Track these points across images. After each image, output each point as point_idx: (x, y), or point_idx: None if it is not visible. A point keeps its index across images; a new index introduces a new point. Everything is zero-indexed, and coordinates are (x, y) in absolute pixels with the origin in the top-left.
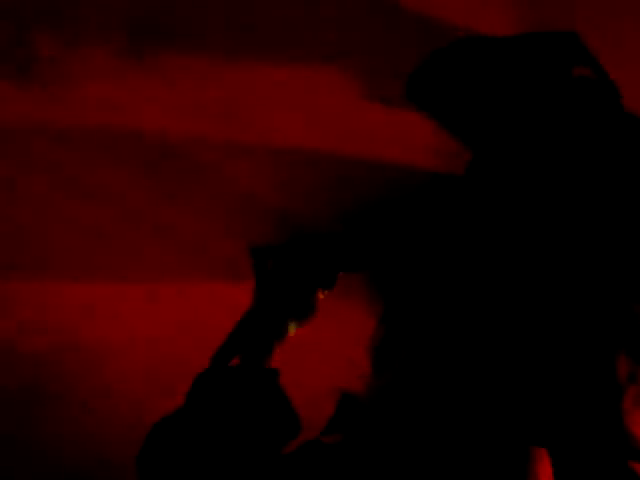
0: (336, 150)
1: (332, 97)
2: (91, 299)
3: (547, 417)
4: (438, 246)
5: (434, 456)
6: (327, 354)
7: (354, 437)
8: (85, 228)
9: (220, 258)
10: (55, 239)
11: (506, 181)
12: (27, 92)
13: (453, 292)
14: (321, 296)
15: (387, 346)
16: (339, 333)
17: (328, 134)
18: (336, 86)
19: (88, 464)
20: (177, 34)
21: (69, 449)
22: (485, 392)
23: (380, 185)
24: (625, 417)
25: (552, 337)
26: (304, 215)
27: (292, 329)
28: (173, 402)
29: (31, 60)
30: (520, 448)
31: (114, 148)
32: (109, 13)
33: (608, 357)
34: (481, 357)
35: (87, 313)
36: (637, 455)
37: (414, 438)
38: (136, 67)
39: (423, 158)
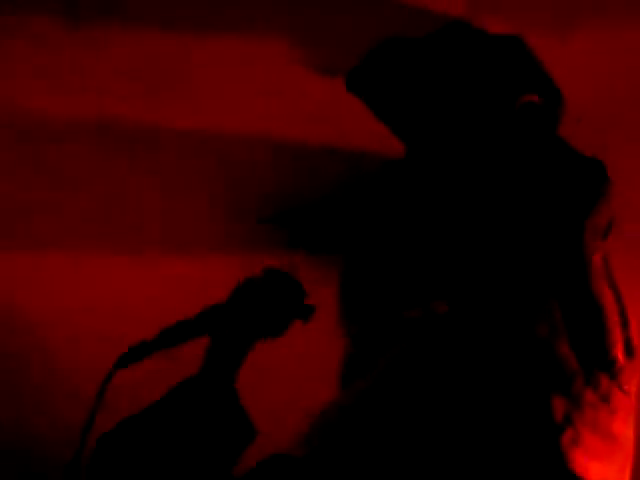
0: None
1: (279, 70)
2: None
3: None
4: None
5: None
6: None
7: (323, 451)
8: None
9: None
10: None
11: (432, 175)
12: None
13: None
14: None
15: (357, 359)
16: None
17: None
18: (283, 61)
19: None
20: (113, 4)
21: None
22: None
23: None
24: (568, 459)
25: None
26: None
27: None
28: None
29: None
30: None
31: (55, 120)
32: None
33: (543, 398)
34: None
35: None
36: None
37: (396, 447)
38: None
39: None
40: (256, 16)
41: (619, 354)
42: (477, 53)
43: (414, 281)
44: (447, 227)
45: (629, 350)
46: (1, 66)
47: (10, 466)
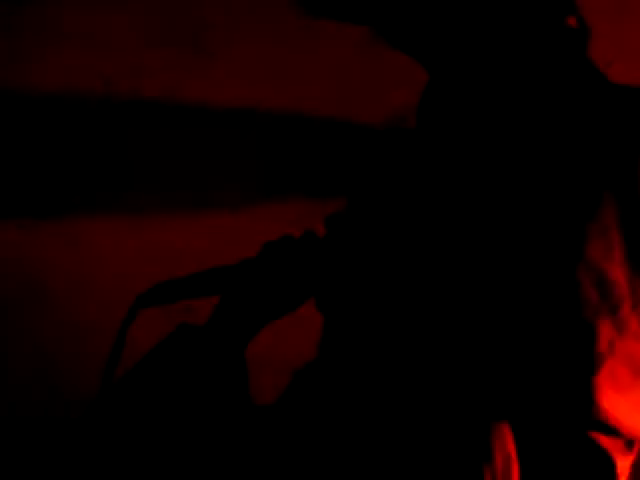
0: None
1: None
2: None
3: (512, 389)
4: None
5: (392, 436)
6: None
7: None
8: None
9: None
10: None
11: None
12: None
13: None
14: None
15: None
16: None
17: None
18: None
19: None
20: None
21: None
22: (444, 363)
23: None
24: (597, 393)
25: (521, 296)
26: None
27: None
28: None
29: None
30: (481, 423)
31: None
32: None
33: (588, 324)
34: (439, 326)
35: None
36: (601, 426)
37: (369, 416)
38: None
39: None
40: None
41: None
42: None
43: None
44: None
45: None
46: None
47: (31, 402)
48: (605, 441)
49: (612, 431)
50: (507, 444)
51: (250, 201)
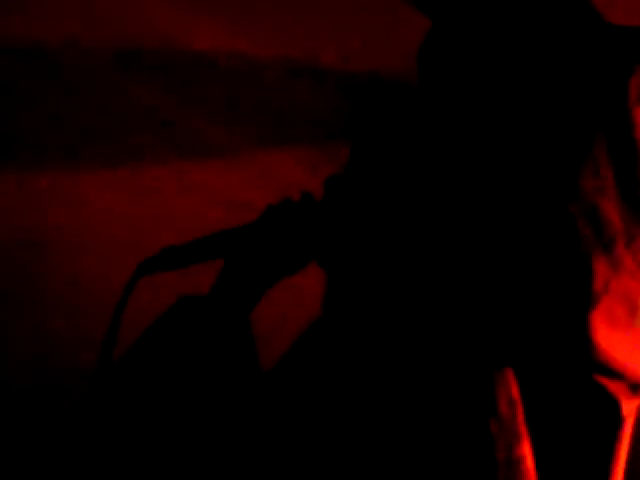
0: None
1: None
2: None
3: (512, 332)
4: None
5: (394, 388)
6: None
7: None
8: None
9: None
10: None
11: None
12: None
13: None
14: None
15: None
16: None
17: None
18: None
19: None
20: None
21: None
22: (444, 313)
23: None
24: (593, 331)
25: (516, 233)
26: None
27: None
28: None
29: None
30: (483, 370)
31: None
32: None
33: (583, 260)
34: (438, 273)
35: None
36: (603, 369)
37: (370, 367)
38: None
39: None
40: None
41: None
42: None
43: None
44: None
45: None
46: None
47: (28, 372)
48: (609, 384)
49: (614, 374)
50: (511, 390)
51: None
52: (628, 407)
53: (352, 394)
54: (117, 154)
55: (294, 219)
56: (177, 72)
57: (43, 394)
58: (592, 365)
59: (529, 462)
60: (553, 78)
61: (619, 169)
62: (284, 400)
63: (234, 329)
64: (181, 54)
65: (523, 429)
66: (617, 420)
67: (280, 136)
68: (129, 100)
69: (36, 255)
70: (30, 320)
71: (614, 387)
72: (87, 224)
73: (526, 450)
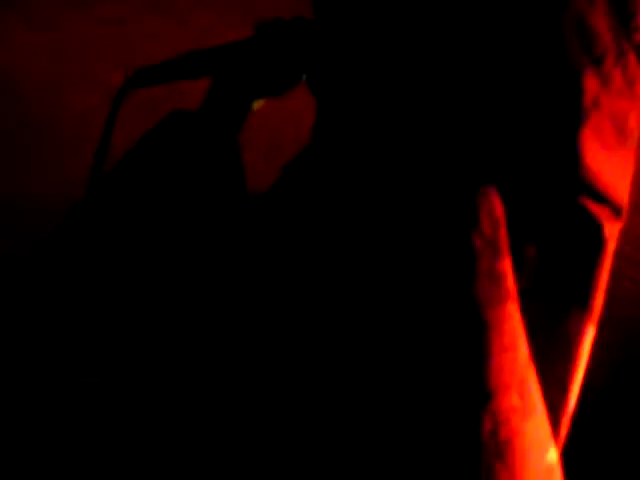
0: None
1: None
2: None
3: (497, 146)
4: None
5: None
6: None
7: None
8: None
9: None
10: None
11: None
12: None
13: None
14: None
15: None
16: None
17: None
18: None
19: None
20: None
21: None
22: (431, 120)
23: None
24: (582, 148)
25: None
26: None
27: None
28: None
29: None
30: (466, 186)
31: None
32: None
33: (572, 74)
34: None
35: None
36: (588, 190)
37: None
38: None
39: None
40: None
41: None
42: None
43: None
44: None
45: None
46: None
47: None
48: (593, 207)
49: (599, 197)
50: (495, 208)
51: None
52: (610, 230)
53: (341, 222)
54: None
55: (285, 36)
56: None
57: None
58: (578, 184)
59: (509, 282)
60: None
61: None
62: (269, 222)
63: (222, 146)
64: None
65: (505, 246)
66: (599, 242)
67: None
68: None
69: None
70: None
71: (598, 210)
72: None
73: (506, 267)
